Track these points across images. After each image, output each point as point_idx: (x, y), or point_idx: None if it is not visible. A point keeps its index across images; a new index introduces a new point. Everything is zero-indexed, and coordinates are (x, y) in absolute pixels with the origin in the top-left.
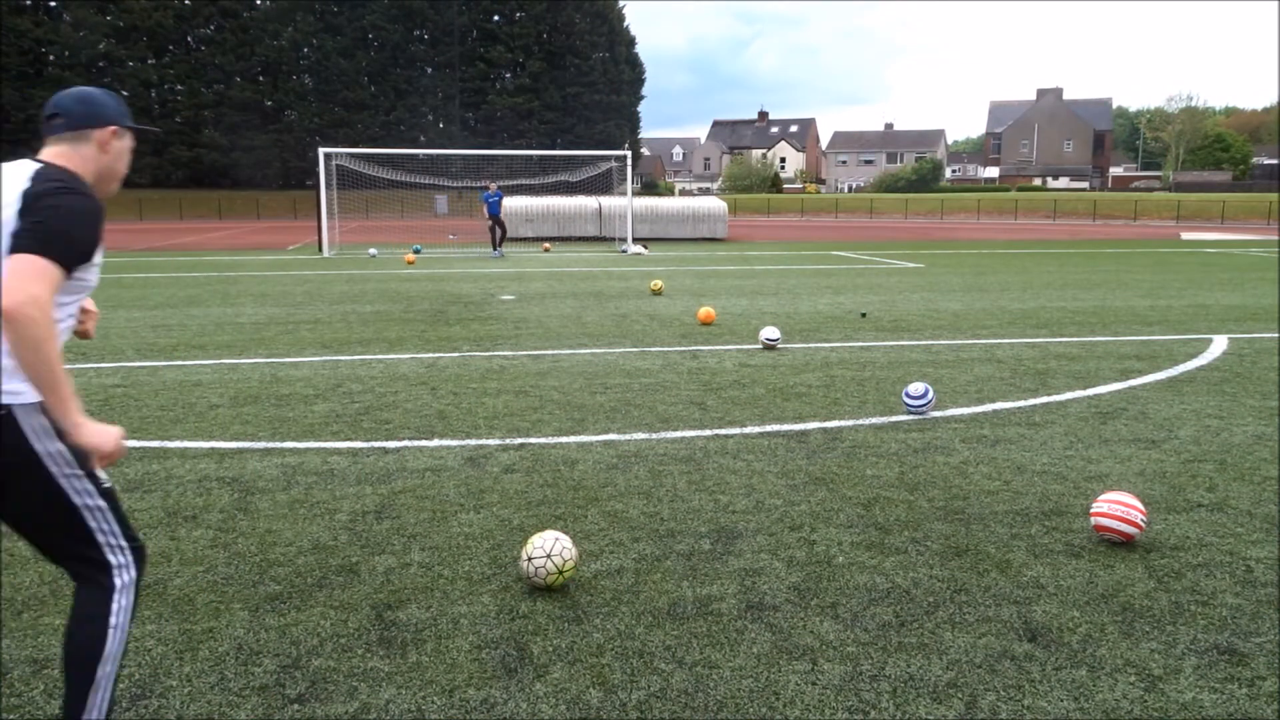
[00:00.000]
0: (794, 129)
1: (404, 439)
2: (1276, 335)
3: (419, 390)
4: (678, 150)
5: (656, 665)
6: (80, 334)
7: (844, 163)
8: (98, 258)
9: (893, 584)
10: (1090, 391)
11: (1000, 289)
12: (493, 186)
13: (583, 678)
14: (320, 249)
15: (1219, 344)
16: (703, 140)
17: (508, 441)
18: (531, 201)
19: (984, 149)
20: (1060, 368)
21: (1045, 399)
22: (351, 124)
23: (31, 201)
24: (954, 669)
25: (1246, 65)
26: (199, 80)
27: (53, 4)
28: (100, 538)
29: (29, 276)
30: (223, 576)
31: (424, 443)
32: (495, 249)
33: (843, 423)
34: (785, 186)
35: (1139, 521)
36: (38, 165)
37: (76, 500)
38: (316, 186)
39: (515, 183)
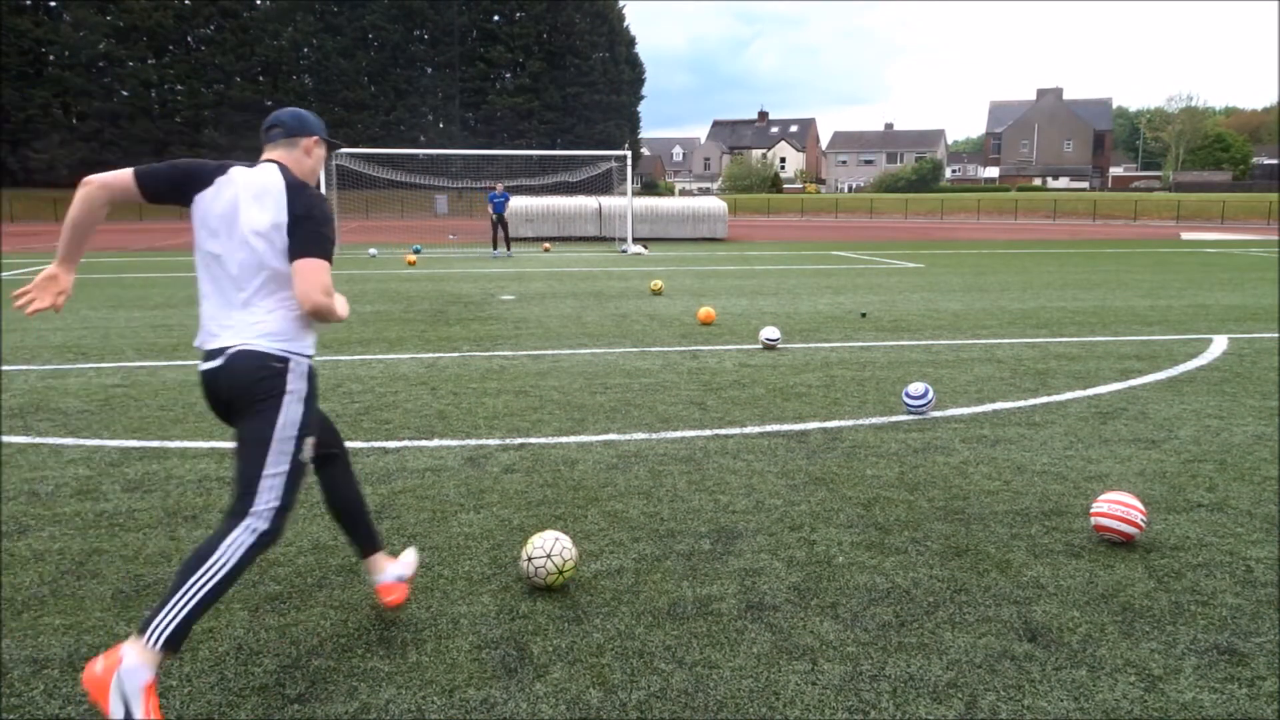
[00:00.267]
0: (794, 129)
1: (404, 439)
2: (1276, 335)
3: (419, 390)
4: (678, 150)
5: (656, 665)
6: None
7: (844, 163)
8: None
9: (893, 584)
10: (1090, 391)
11: (1000, 289)
12: (499, 187)
13: (583, 678)
14: None
15: (1219, 344)
16: (703, 140)
17: (508, 441)
18: (531, 201)
19: (984, 149)
20: (1060, 368)
21: (1045, 399)
22: (351, 124)
23: (301, 211)
24: (954, 669)
25: (1246, 65)
26: (199, 80)
27: (53, 4)
28: (264, 482)
29: (318, 275)
30: None
31: (424, 443)
32: (495, 249)
33: (843, 423)
34: (785, 186)
35: (1139, 521)
36: (279, 166)
37: (275, 443)
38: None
39: (515, 183)
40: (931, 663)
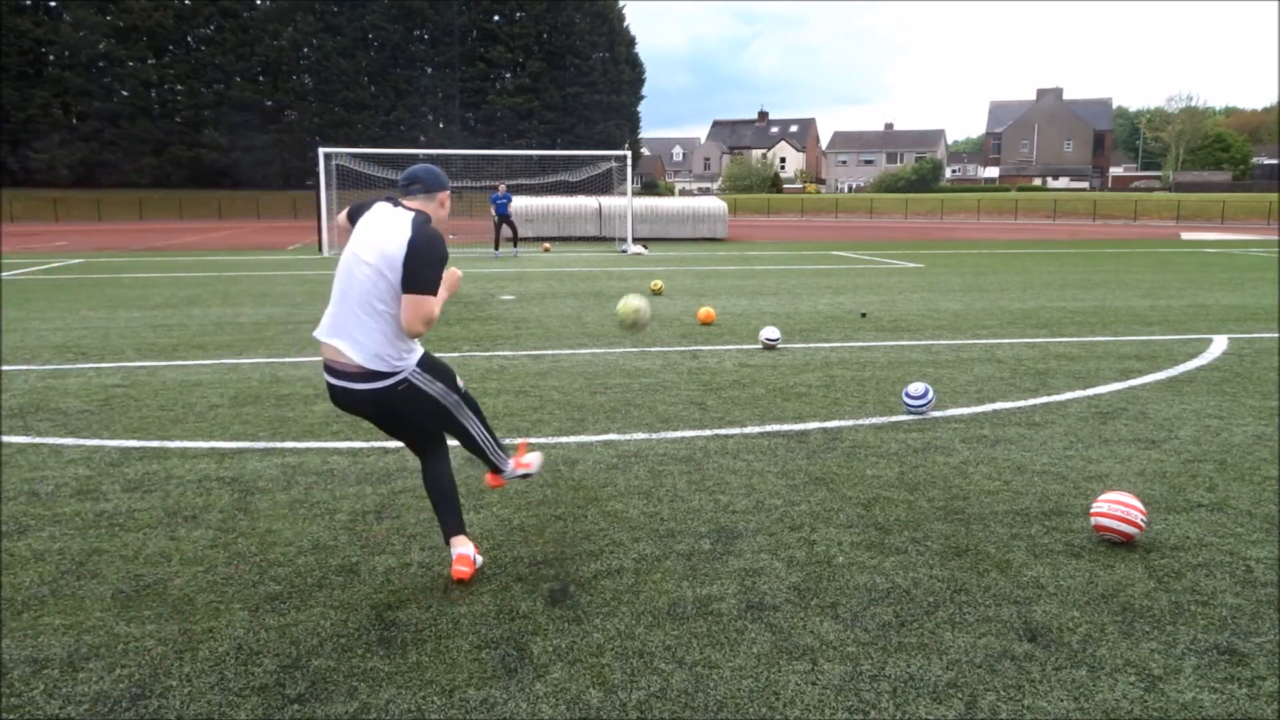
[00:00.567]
0: (794, 129)
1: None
2: (1276, 335)
3: None
4: (678, 150)
5: (656, 665)
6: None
7: (844, 163)
8: None
9: (893, 584)
10: (1090, 391)
11: (1000, 289)
12: (502, 188)
13: (583, 678)
14: (320, 249)
15: (1219, 344)
16: (703, 140)
17: (507, 441)
18: (531, 201)
19: (984, 149)
20: (1060, 368)
21: (1045, 399)
22: (351, 124)
23: (417, 251)
24: (954, 669)
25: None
26: (199, 80)
27: (53, 4)
28: (453, 425)
29: (423, 311)
30: (223, 576)
31: None
32: (497, 249)
33: (843, 423)
34: (785, 186)
35: (1139, 521)
36: (415, 212)
37: (449, 406)
38: (316, 186)
39: (515, 182)
40: (931, 663)
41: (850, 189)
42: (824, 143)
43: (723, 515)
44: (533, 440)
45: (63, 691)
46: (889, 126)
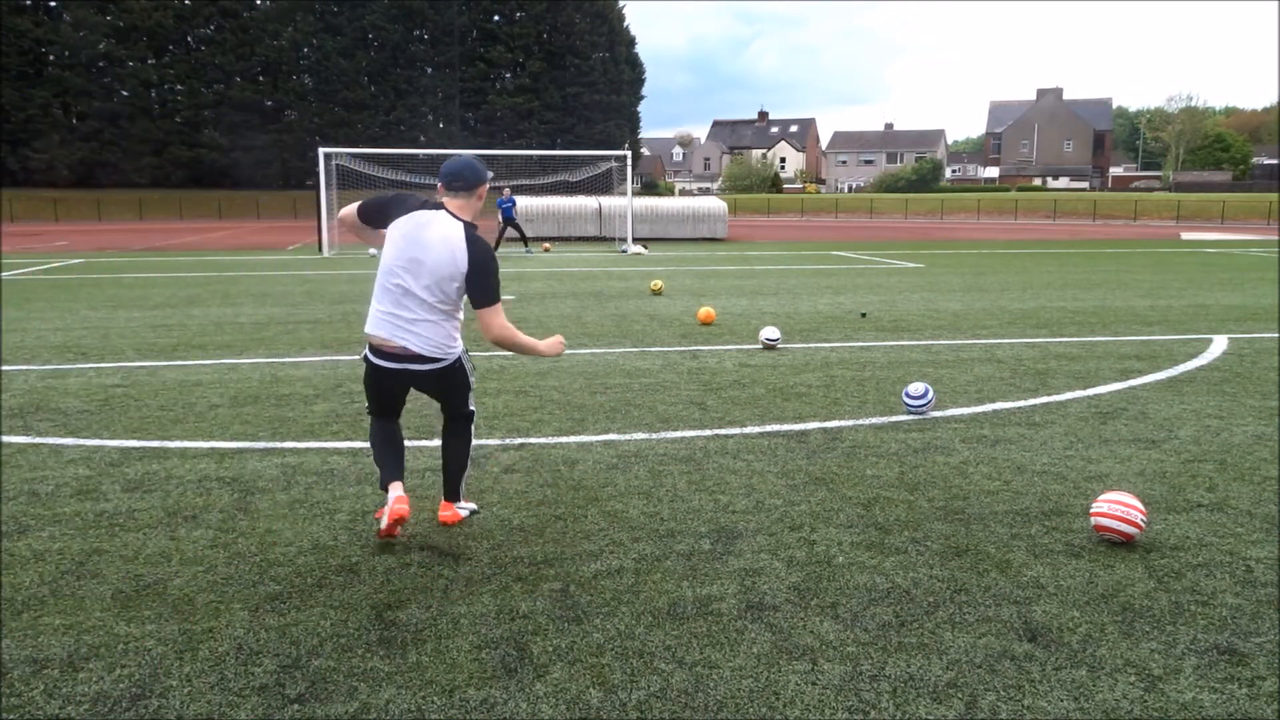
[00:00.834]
0: (794, 129)
1: (404, 439)
2: (1276, 335)
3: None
4: (678, 150)
5: (656, 665)
6: None
7: (844, 163)
8: None
9: (893, 584)
10: (1090, 391)
11: (1000, 289)
12: (506, 191)
13: (583, 678)
14: (320, 249)
15: (1219, 344)
16: (703, 140)
17: (508, 441)
18: (531, 201)
19: (984, 149)
20: (1060, 368)
21: (1045, 399)
22: (351, 124)
23: (479, 270)
24: (954, 669)
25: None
26: (199, 80)
27: (53, 4)
28: (470, 402)
29: (496, 320)
30: (223, 576)
31: (424, 443)
32: (496, 248)
33: (843, 423)
34: (785, 186)
35: (1139, 521)
36: (463, 223)
37: (471, 383)
38: (316, 186)
39: (515, 183)
40: (931, 663)
41: (850, 189)
42: (824, 143)
43: (723, 515)
44: (532, 440)
45: (63, 691)
46: (889, 126)
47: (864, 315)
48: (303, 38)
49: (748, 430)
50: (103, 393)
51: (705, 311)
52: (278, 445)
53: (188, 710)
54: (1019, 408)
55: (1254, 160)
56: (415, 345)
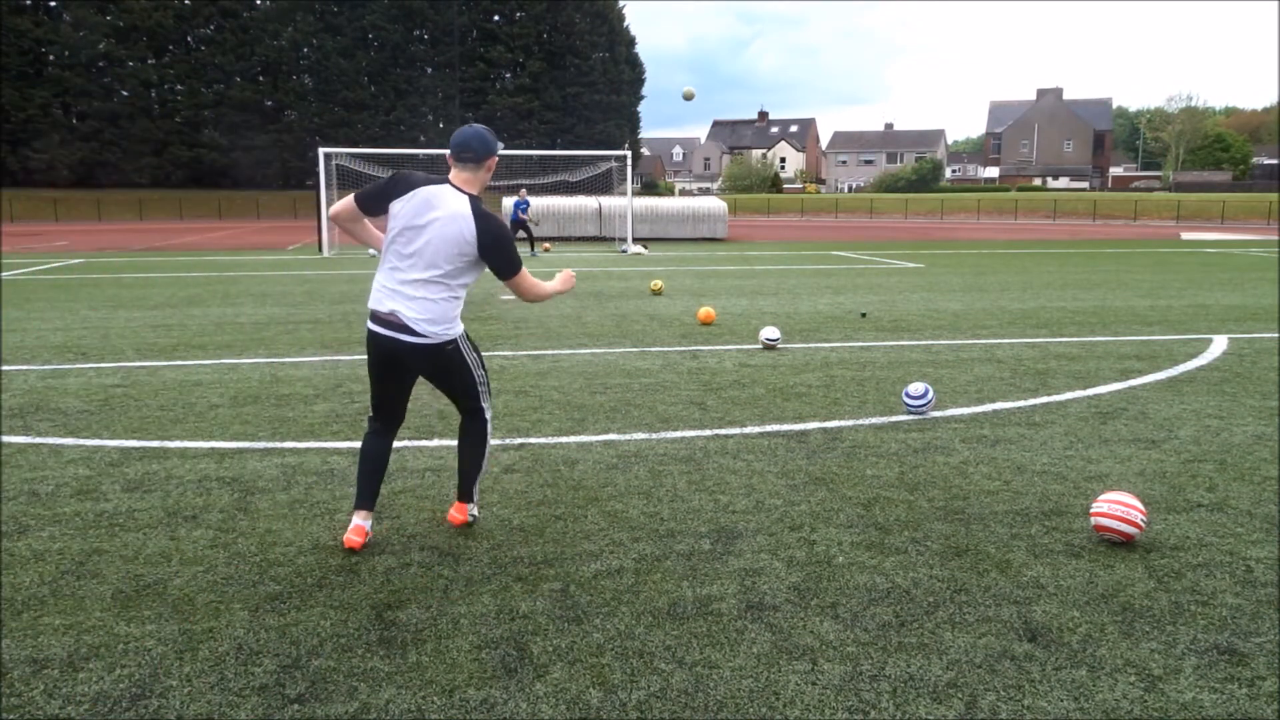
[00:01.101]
0: (794, 129)
1: (404, 439)
2: (1276, 335)
3: (419, 390)
4: (678, 150)
5: (656, 665)
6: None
7: (844, 163)
8: None
9: (893, 584)
10: (1090, 391)
11: (1000, 289)
12: (523, 192)
13: (583, 678)
14: (320, 249)
15: (1219, 344)
16: (703, 140)
17: (508, 441)
18: (532, 201)
19: (984, 149)
20: (1060, 368)
21: (1045, 399)
22: (351, 124)
23: (493, 244)
24: (954, 669)
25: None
26: (199, 80)
27: (53, 4)
28: (482, 398)
29: (529, 282)
30: (223, 576)
31: (424, 443)
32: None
33: (843, 423)
34: (785, 186)
35: (1139, 521)
36: (468, 196)
37: (477, 376)
38: (316, 186)
39: (515, 182)
40: (931, 663)
41: (850, 189)
42: (824, 143)
43: (723, 515)
44: (532, 440)
45: (63, 691)
46: (889, 126)
47: (864, 315)
48: (303, 38)
49: (748, 430)
50: (103, 393)
51: (705, 311)
52: (278, 445)
53: (188, 710)
54: (1019, 408)
55: (1254, 160)
56: (407, 316)
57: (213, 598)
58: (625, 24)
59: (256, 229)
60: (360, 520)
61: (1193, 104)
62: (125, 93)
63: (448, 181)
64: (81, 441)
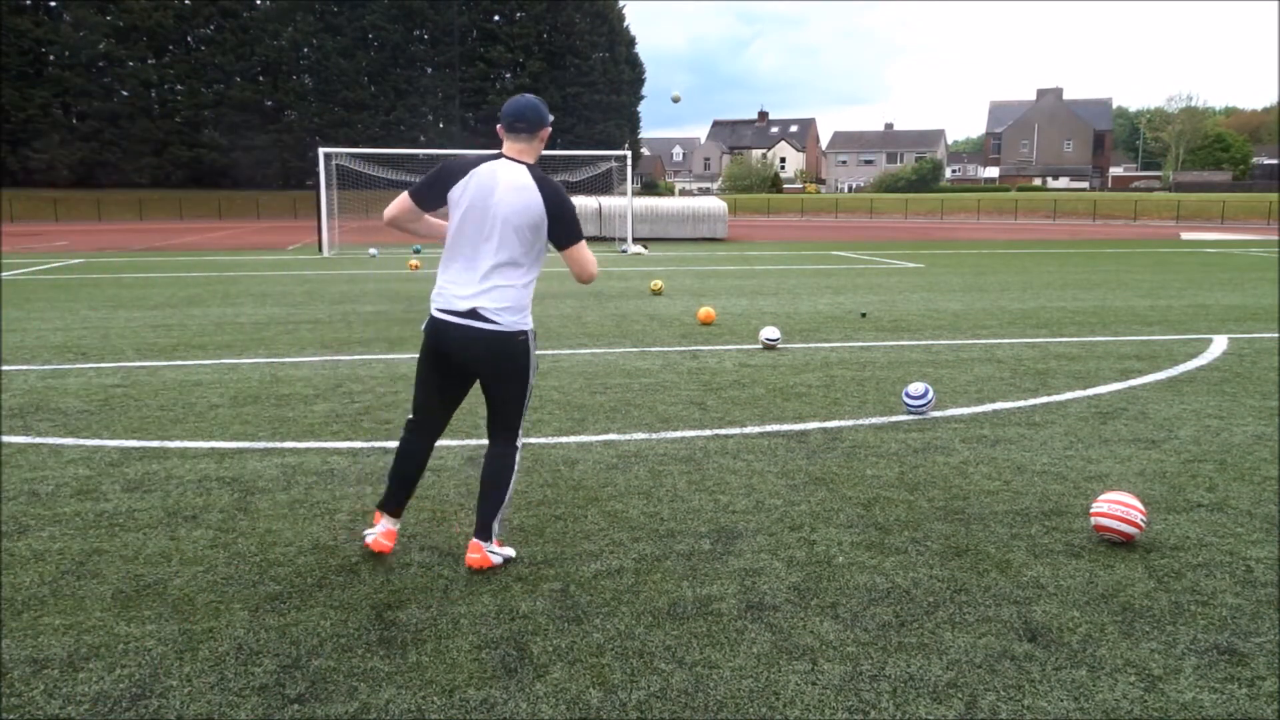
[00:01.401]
0: (794, 129)
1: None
2: (1276, 335)
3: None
4: (678, 150)
5: (656, 665)
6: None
7: (844, 163)
8: None
9: (893, 584)
10: (1090, 391)
11: (1000, 289)
12: None
13: (583, 678)
14: (320, 249)
15: (1219, 344)
16: (703, 140)
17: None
18: None
19: (984, 149)
20: (1060, 368)
21: (1045, 399)
22: (351, 124)
23: (557, 209)
24: (954, 669)
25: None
26: (199, 80)
27: (53, 4)
28: (522, 414)
29: (587, 254)
30: (223, 576)
31: None
32: None
33: (843, 423)
34: (785, 186)
35: (1139, 521)
36: (526, 165)
37: (529, 389)
38: (316, 186)
39: None
40: (931, 663)
41: (850, 189)
42: (824, 143)
43: (723, 515)
44: (532, 440)
45: (63, 691)
46: (889, 126)
47: (864, 315)
48: (303, 38)
49: (748, 430)
50: (103, 393)
51: (705, 311)
52: (278, 445)
53: (188, 710)
54: (1019, 408)
55: (1254, 160)
56: (486, 308)
57: (213, 598)
58: (625, 24)
59: (256, 229)
60: (389, 524)
61: (1193, 104)
62: (125, 93)
63: (502, 156)
64: (81, 441)
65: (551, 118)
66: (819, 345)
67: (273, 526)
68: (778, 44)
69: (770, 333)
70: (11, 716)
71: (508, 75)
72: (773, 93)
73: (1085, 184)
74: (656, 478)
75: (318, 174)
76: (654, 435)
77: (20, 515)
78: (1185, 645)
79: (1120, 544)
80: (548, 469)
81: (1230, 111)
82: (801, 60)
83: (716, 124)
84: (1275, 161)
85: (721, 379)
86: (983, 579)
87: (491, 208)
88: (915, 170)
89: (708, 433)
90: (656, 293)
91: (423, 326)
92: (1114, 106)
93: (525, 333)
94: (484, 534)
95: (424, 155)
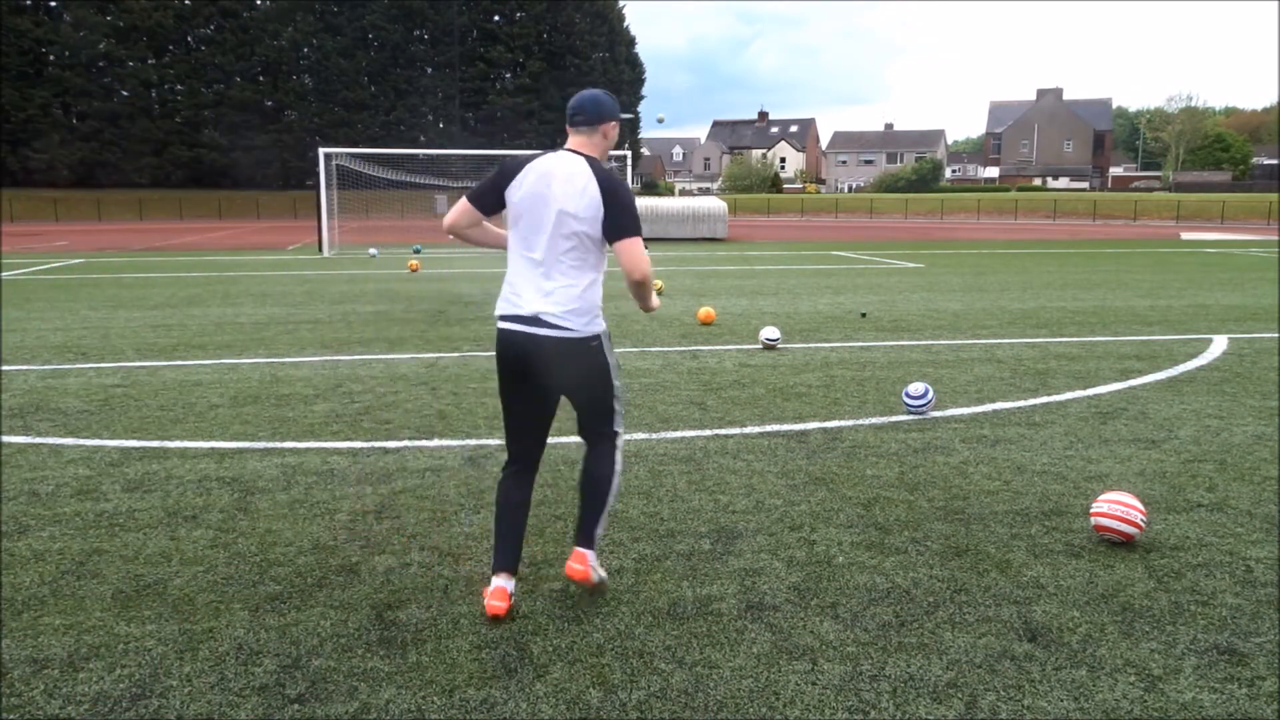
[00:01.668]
0: (794, 129)
1: (404, 439)
2: (1276, 335)
3: (419, 390)
4: (678, 150)
5: (656, 665)
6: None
7: (844, 163)
8: None
9: (893, 584)
10: (1090, 391)
11: (1000, 289)
12: None
13: (583, 678)
14: (320, 249)
15: (1219, 344)
16: (703, 140)
17: None
18: None
19: (984, 149)
20: (1060, 368)
21: (1045, 399)
22: (351, 124)
23: (613, 197)
24: (954, 669)
25: (1246, 65)
26: (199, 80)
27: (53, 4)
28: (615, 421)
29: (641, 250)
30: (223, 576)
31: (424, 443)
32: None
33: (843, 423)
34: (785, 186)
35: (1139, 521)
36: (584, 157)
37: (617, 388)
38: (316, 186)
39: None
40: (931, 663)
41: (850, 189)
42: (824, 143)
43: (723, 515)
44: None
45: (63, 691)
46: (889, 126)
47: (864, 315)
48: (303, 38)
49: (748, 430)
50: (103, 393)
51: (705, 311)
52: (278, 445)
53: (188, 710)
54: (1019, 408)
55: (1254, 160)
56: (550, 312)
57: (213, 598)
58: (625, 24)
59: (256, 229)
60: (502, 582)
61: (1193, 104)
62: (125, 93)
63: (563, 150)
64: (81, 441)
65: (621, 114)
66: (819, 345)
67: (273, 526)
68: (778, 44)
69: (770, 333)
70: (11, 716)
71: (508, 75)
72: (773, 93)
73: (1085, 184)
74: (656, 478)
75: (318, 174)
76: (654, 435)
77: (20, 515)
78: (1185, 645)
79: (1120, 544)
80: (548, 469)
81: (1230, 111)
82: (801, 60)
83: (716, 124)
84: (1275, 161)
85: (721, 379)
86: (983, 579)
87: (549, 202)
88: (915, 170)
89: (708, 433)
90: (657, 293)
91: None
92: (1114, 106)
93: (597, 336)
94: (587, 540)
95: (424, 155)
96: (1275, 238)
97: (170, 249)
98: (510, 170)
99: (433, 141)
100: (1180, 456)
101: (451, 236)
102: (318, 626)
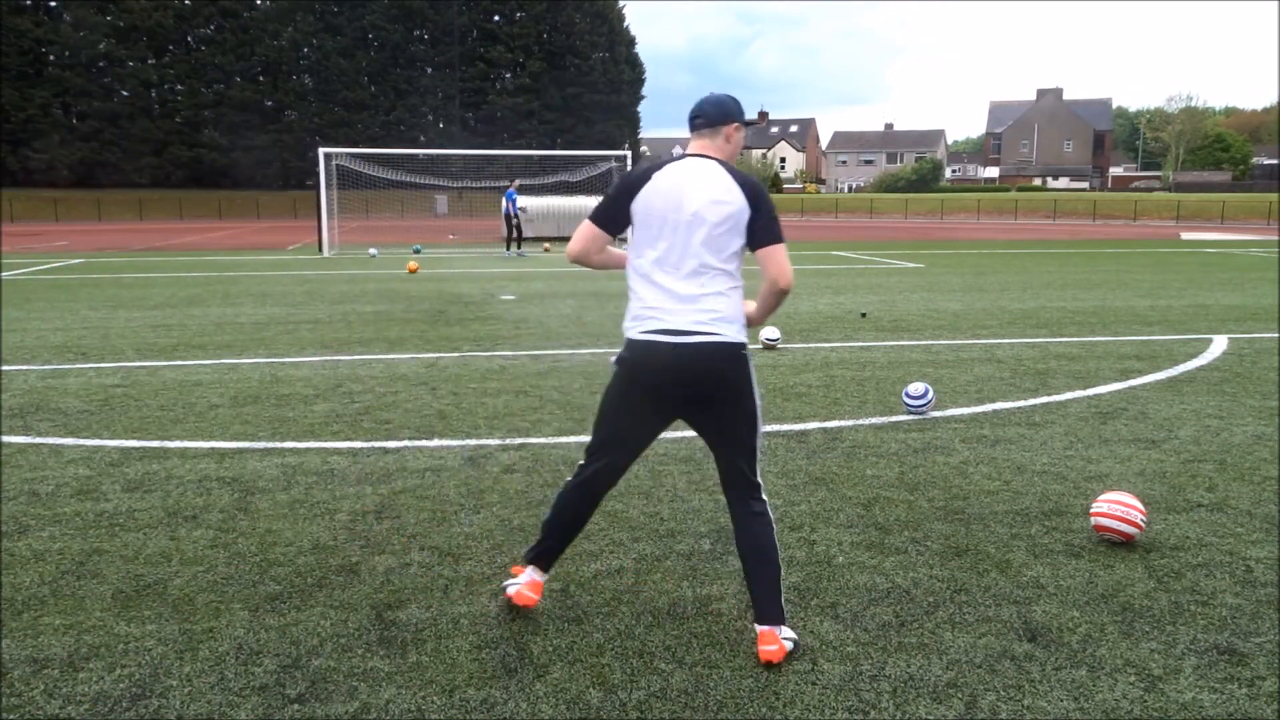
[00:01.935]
0: (794, 129)
1: (404, 439)
2: (1276, 335)
3: (419, 390)
4: (678, 150)
5: (656, 665)
6: None
7: (844, 163)
8: None
9: (893, 584)
10: (1090, 391)
11: (1000, 289)
12: (516, 183)
13: (583, 678)
14: (320, 249)
15: (1219, 344)
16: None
17: (508, 441)
18: (531, 201)
19: (984, 149)
20: (1060, 368)
21: (1045, 399)
22: (351, 124)
23: (759, 202)
24: (954, 669)
25: (1246, 65)
26: (199, 80)
27: (53, 4)
28: (758, 455)
29: (787, 259)
30: (223, 576)
31: (424, 443)
32: (508, 250)
33: (843, 423)
34: (785, 186)
35: (1139, 521)
36: (716, 161)
37: (757, 419)
38: (316, 186)
39: (515, 182)
40: (931, 663)
41: (850, 189)
42: (824, 143)
43: (723, 515)
44: (532, 440)
45: (63, 691)
46: (889, 126)
47: (864, 315)
48: (303, 38)
49: None
50: (103, 393)
51: None
52: (278, 445)
53: (188, 710)
54: (1019, 408)
55: (1254, 160)
56: (698, 320)
57: (213, 598)
58: (625, 24)
59: (256, 229)
60: (536, 575)
61: (1193, 104)
62: (125, 93)
63: (686, 156)
64: (81, 441)
65: (741, 116)
66: (819, 345)
67: (273, 526)
68: (778, 44)
69: (770, 333)
70: (11, 716)
71: (508, 75)
72: (773, 93)
73: (1085, 184)
74: (656, 478)
75: (318, 174)
76: None
77: (20, 515)
78: (1185, 645)
79: (1120, 544)
80: (548, 469)
81: (1230, 111)
82: (801, 60)
83: None
84: (1275, 161)
85: None
86: (983, 579)
87: (684, 210)
88: (915, 170)
89: None
90: None
91: (613, 360)
92: (1114, 106)
93: (746, 344)
94: (775, 617)
95: (424, 155)
96: (1275, 238)
97: (170, 249)
98: (633, 184)
99: (433, 141)
100: (1180, 456)
101: (582, 263)
102: (318, 626)
